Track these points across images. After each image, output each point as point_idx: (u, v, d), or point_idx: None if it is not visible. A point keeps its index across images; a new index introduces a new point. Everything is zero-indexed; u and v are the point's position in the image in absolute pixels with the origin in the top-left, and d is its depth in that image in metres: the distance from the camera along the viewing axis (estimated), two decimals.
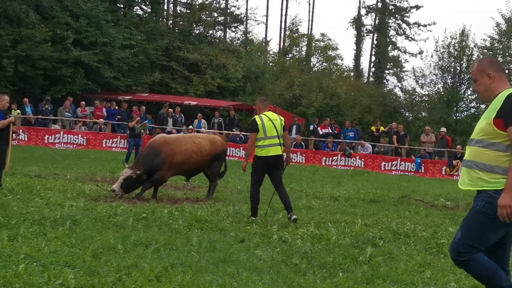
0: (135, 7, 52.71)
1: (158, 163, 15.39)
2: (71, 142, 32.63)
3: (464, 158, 6.38)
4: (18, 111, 32.72)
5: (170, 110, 36.65)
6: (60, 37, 40.61)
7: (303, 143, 36.15)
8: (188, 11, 55.75)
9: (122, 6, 51.37)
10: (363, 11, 65.21)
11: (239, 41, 59.43)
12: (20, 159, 19.35)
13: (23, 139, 30.45)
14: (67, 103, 35.31)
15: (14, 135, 16.42)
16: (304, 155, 34.68)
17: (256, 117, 12.97)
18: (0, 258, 7.83)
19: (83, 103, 36.59)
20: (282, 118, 13.16)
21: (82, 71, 40.54)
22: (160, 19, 55.41)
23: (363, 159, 34.49)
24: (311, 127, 38.85)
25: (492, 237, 6.11)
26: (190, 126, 35.92)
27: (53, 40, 40.07)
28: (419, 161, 34.17)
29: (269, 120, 12.79)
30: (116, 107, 37.20)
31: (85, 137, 32.89)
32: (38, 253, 8.21)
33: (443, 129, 37.35)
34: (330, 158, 34.73)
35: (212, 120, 37.54)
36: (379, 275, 8.26)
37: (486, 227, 6.04)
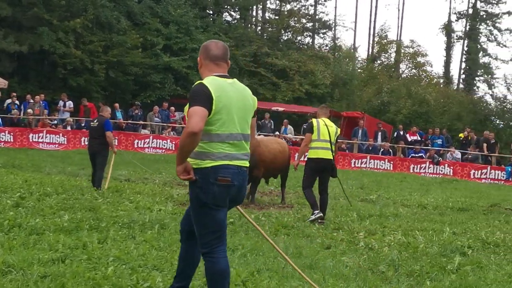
0: (224, 14, 53.23)
1: (252, 162, 15.64)
2: (160, 147, 33.10)
3: None
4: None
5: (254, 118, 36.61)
6: (150, 43, 41.45)
7: (390, 150, 35.72)
8: (276, 17, 56.10)
9: (211, 12, 51.97)
10: (453, 17, 63.90)
11: (327, 47, 59.34)
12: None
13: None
14: (155, 108, 35.84)
15: None
16: (392, 162, 34.26)
17: (314, 119, 13.61)
18: (90, 260, 7.99)
19: (172, 108, 37.01)
20: (338, 128, 13.75)
21: (171, 76, 41.21)
22: (249, 25, 55.77)
23: (452, 167, 33.82)
24: (395, 134, 38.48)
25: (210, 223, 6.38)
26: (277, 132, 35.92)
27: (144, 46, 40.93)
28: (509, 169, 33.22)
29: (325, 125, 13.26)
30: None
31: (173, 142, 33.18)
32: (127, 256, 8.35)
33: None
34: (419, 166, 34.13)
35: (304, 126, 37.47)
36: (468, 285, 8.13)
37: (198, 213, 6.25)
